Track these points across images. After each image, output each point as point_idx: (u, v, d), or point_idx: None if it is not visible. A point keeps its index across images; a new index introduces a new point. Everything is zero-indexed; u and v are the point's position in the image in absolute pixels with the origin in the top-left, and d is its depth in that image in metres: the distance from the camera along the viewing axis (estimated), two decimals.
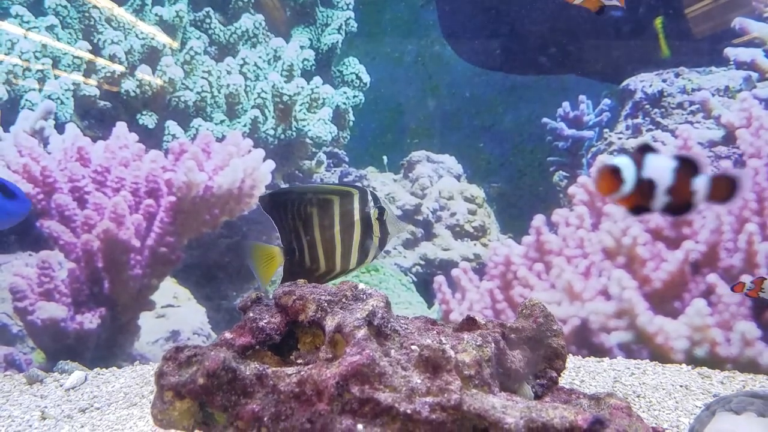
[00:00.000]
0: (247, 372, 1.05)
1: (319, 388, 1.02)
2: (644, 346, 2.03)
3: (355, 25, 3.65)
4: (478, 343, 1.14)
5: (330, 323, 1.12)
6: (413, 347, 1.09)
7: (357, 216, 1.33)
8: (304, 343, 1.18)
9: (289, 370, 1.07)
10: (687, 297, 2.06)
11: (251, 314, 1.15)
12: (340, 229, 1.33)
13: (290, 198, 1.36)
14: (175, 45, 3.31)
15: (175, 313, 2.50)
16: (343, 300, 1.16)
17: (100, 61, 3.14)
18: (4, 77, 2.91)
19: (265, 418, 1.03)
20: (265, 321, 1.14)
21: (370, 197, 1.34)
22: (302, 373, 1.05)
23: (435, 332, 1.17)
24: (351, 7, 3.78)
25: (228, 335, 1.12)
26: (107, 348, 2.16)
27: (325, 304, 1.14)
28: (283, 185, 3.25)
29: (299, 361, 1.14)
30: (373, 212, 1.33)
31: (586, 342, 2.11)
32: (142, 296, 2.25)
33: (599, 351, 2.07)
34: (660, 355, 1.97)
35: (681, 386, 1.71)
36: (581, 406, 1.24)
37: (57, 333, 2.06)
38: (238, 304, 1.24)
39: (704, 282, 2.04)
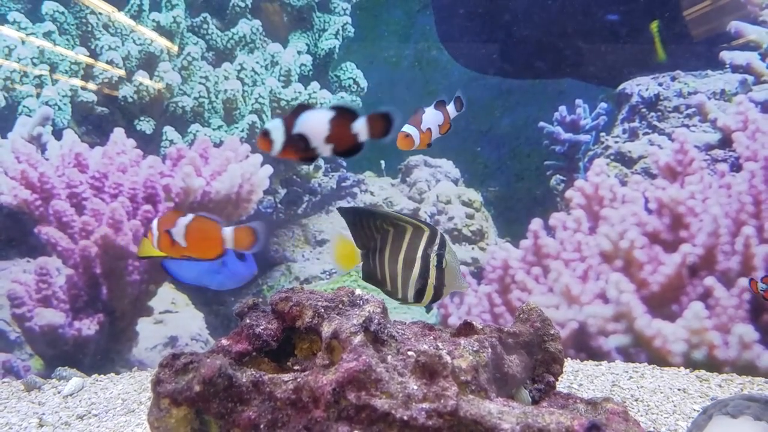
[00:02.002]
0: (243, 379, 1.05)
1: (316, 395, 1.02)
2: (642, 350, 2.02)
3: (352, 30, 3.66)
4: (474, 349, 1.14)
5: (326, 329, 1.11)
6: (410, 353, 1.09)
7: (419, 254, 1.31)
8: (301, 349, 1.18)
9: (286, 376, 1.07)
10: (685, 300, 2.06)
11: (248, 320, 1.15)
12: (403, 258, 1.31)
13: (372, 216, 1.36)
14: (173, 50, 3.32)
15: (173, 319, 2.49)
16: (340, 306, 1.16)
17: (98, 67, 3.15)
18: (2, 83, 2.92)
19: (262, 425, 1.03)
20: (261, 327, 1.14)
21: (438, 240, 1.31)
22: (299, 379, 1.05)
23: (432, 337, 1.17)
24: (348, 12, 3.78)
25: (224, 342, 1.12)
26: (105, 354, 2.16)
27: (322, 310, 1.14)
28: (281, 190, 3.24)
29: (296, 367, 1.14)
30: (432, 257, 1.30)
31: (585, 345, 2.11)
32: (140, 302, 2.25)
33: (597, 354, 2.06)
34: (658, 359, 1.97)
35: (679, 390, 1.71)
36: (578, 411, 1.24)
37: (55, 339, 2.06)
38: (235, 310, 1.24)
39: (702, 285, 2.04)
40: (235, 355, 1.11)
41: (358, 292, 1.19)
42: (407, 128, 1.58)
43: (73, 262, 2.11)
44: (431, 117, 1.64)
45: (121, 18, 3.29)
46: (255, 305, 1.20)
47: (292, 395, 1.04)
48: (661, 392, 1.68)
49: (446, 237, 1.40)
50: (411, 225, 1.32)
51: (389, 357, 1.09)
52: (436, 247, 1.30)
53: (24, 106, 2.87)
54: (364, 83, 3.70)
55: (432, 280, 1.29)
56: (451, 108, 1.69)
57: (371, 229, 1.35)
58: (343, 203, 3.39)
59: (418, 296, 1.33)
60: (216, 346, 1.14)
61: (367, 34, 3.86)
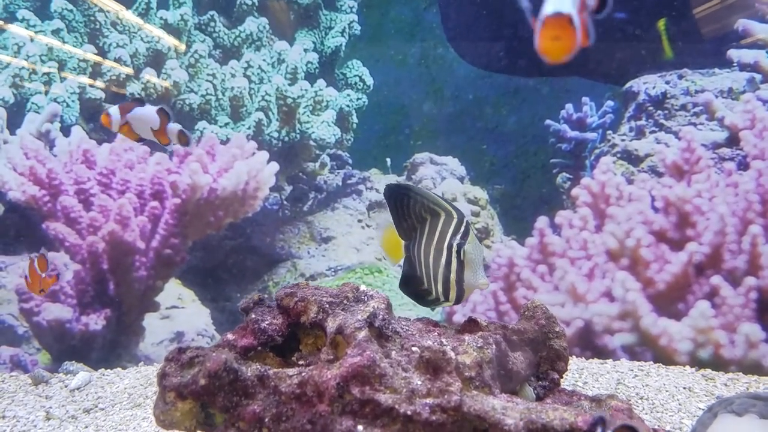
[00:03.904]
0: (248, 373, 1.05)
1: (320, 389, 1.03)
2: (648, 348, 2.02)
3: (359, 28, 3.66)
4: (479, 345, 1.15)
5: (331, 325, 1.12)
6: (414, 349, 1.09)
7: (446, 243, 1.19)
8: (306, 344, 1.18)
9: (291, 371, 1.07)
10: (691, 299, 2.05)
11: (253, 315, 1.16)
12: (434, 250, 1.20)
13: (411, 200, 1.24)
14: (180, 48, 3.33)
15: (180, 314, 2.51)
16: (345, 301, 1.16)
17: (106, 64, 3.16)
18: (11, 80, 2.93)
19: (267, 419, 1.04)
20: (267, 322, 1.14)
21: (462, 229, 1.19)
22: (303, 374, 1.06)
23: (436, 334, 1.17)
24: (354, 10, 3.78)
25: (230, 336, 1.13)
26: (112, 349, 2.18)
27: (327, 306, 1.14)
28: (287, 188, 3.24)
29: (301, 362, 1.15)
30: (454, 247, 1.18)
31: (590, 344, 2.10)
32: (147, 298, 2.26)
33: (603, 353, 2.06)
34: (664, 357, 1.97)
35: (684, 388, 1.70)
36: (582, 408, 1.23)
37: (62, 334, 2.07)
38: (240, 305, 1.24)
39: (708, 284, 2.03)
40: (240, 349, 1.11)
41: (362, 288, 1.20)
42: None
43: (80, 257, 2.12)
44: None
45: (129, 16, 3.31)
46: (260, 300, 1.21)
47: (296, 389, 1.05)
48: (667, 390, 1.68)
49: (471, 226, 1.24)
50: (444, 211, 1.21)
51: (393, 352, 1.09)
52: (458, 237, 1.19)
53: (33, 103, 2.89)
54: (370, 81, 3.69)
55: (452, 274, 1.19)
56: None
57: (411, 217, 1.26)
58: (350, 200, 3.39)
59: (445, 293, 1.22)
60: (221, 341, 1.14)
61: (374, 32, 3.86)
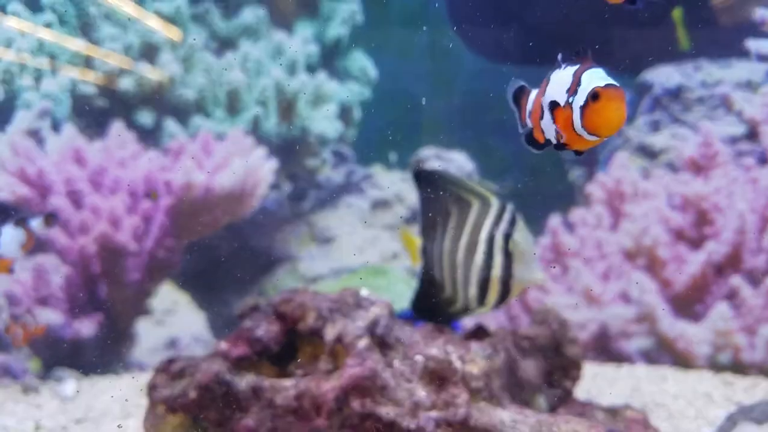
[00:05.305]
0: (242, 385, 1.00)
1: (318, 402, 0.97)
2: (665, 352, 1.95)
3: (362, 17, 3.59)
4: (487, 353, 1.08)
5: (330, 332, 1.06)
6: (418, 358, 1.03)
7: (484, 234, 1.03)
8: (304, 352, 1.13)
9: (287, 382, 1.02)
10: (709, 300, 1.98)
11: (248, 323, 1.11)
12: (466, 243, 1.04)
13: (439, 182, 1.08)
14: (176, 40, 3.27)
15: (175, 318, 2.46)
16: (345, 308, 1.11)
17: (98, 58, 3.11)
18: (1, 75, 2.89)
19: None
20: (262, 330, 1.09)
21: (507, 216, 1.02)
22: (300, 385, 1.00)
23: (442, 341, 1.11)
24: None
25: (223, 345, 1.08)
26: (104, 355, 2.13)
27: (326, 312, 1.09)
28: (287, 185, 3.17)
29: (298, 371, 1.09)
30: (498, 238, 1.02)
31: (605, 348, 2.04)
32: (140, 301, 2.22)
33: (618, 357, 1.99)
34: (682, 361, 1.90)
35: (703, 394, 1.64)
36: (596, 419, 1.17)
37: (53, 340, 2.03)
38: (237, 312, 1.19)
39: (727, 284, 1.96)
40: (233, 359, 1.06)
41: (363, 293, 1.14)
42: None
43: (71, 260, 2.08)
44: None
45: (123, 7, 3.25)
46: (256, 307, 1.15)
47: (293, 402, 0.99)
48: (684, 397, 1.62)
49: (518, 213, 1.04)
50: (478, 198, 1.05)
51: (396, 362, 1.03)
52: (503, 225, 1.02)
53: (23, 99, 2.84)
54: (373, 73, 3.61)
55: (497, 270, 1.01)
56: None
57: (437, 209, 1.09)
58: (352, 198, 3.32)
59: (482, 294, 1.05)
60: (214, 350, 1.09)
61: (377, 21, 3.77)
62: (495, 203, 1.05)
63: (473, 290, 1.06)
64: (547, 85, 0.72)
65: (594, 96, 0.61)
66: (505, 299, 1.07)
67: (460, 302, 1.11)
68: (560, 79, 0.69)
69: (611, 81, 0.64)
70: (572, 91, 0.66)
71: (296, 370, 1.09)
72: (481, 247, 1.02)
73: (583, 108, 0.63)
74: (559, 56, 0.74)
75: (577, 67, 0.68)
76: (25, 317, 1.75)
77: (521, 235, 1.03)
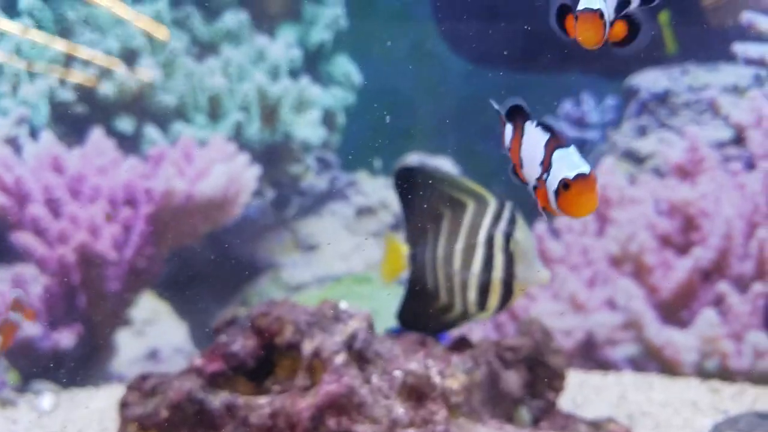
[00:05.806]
0: (215, 403, 0.98)
1: (293, 421, 0.95)
2: (652, 359, 1.94)
3: (345, 22, 3.56)
4: (467, 367, 1.07)
5: (308, 347, 1.04)
6: (396, 373, 1.01)
7: (482, 235, 0.99)
8: (282, 366, 1.10)
9: (262, 399, 1.00)
10: (696, 306, 1.98)
11: (224, 338, 1.08)
12: (463, 247, 1.00)
13: (424, 183, 1.02)
14: (157, 43, 3.24)
15: (156, 329, 2.43)
16: (323, 321, 1.09)
17: (77, 63, 3.07)
18: None
19: None
20: (238, 345, 1.06)
21: (506, 214, 0.99)
22: (275, 403, 0.98)
23: (422, 354, 1.09)
24: (341, 2, 3.68)
25: (198, 361, 1.05)
26: (84, 367, 2.10)
27: (304, 326, 1.07)
28: (270, 192, 3.14)
29: (276, 386, 1.07)
30: (498, 238, 0.99)
31: (591, 355, 2.02)
32: (120, 311, 2.18)
33: (605, 365, 1.98)
34: (668, 369, 1.89)
35: (690, 402, 1.64)
36: None
37: (31, 352, 2.00)
38: (213, 325, 1.16)
39: (714, 290, 1.96)
40: (208, 375, 1.03)
41: (342, 306, 1.12)
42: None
43: (50, 270, 2.05)
44: None
45: (103, 10, 3.21)
46: (233, 320, 1.13)
47: (267, 421, 0.97)
48: (671, 405, 1.61)
49: (517, 211, 1.00)
50: (473, 198, 1.01)
51: (374, 377, 1.01)
52: (502, 225, 0.98)
53: (0, 107, 2.80)
54: (357, 78, 3.59)
55: (498, 272, 0.98)
56: None
57: (425, 212, 1.04)
58: (337, 205, 3.29)
59: (482, 299, 1.02)
60: (189, 366, 1.07)
61: (362, 25, 3.74)
62: (492, 202, 1.02)
63: (473, 294, 1.03)
64: (521, 137, 0.71)
65: (565, 186, 0.61)
66: (507, 302, 1.04)
67: (458, 309, 1.08)
68: (533, 144, 0.68)
69: (581, 165, 0.62)
70: (545, 167, 0.65)
71: (273, 385, 1.07)
72: (480, 249, 0.99)
73: (556, 193, 0.62)
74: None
75: (547, 138, 0.67)
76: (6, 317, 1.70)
77: (522, 233, 1.00)
